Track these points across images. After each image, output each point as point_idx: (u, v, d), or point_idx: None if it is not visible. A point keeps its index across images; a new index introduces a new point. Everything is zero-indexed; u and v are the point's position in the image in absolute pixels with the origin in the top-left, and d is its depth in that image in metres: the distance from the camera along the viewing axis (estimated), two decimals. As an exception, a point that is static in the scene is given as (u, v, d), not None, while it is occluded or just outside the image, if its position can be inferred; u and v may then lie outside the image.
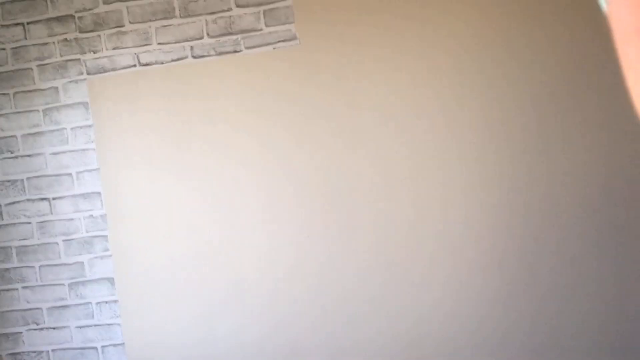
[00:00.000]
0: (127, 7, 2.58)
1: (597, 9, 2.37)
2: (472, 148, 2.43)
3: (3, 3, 2.64)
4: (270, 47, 2.52)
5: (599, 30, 2.38)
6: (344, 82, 2.47)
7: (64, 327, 2.61)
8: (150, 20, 2.58)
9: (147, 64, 2.58)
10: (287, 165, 2.50)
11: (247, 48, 2.53)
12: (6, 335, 2.67)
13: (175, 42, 2.57)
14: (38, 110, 2.63)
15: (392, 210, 2.46)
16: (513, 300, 2.42)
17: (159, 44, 2.58)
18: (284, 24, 2.51)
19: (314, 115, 2.49)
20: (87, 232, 2.60)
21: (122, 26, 2.59)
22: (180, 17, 2.56)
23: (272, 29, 2.52)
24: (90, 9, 2.60)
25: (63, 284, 2.62)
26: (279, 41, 2.52)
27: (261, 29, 2.52)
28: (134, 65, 2.59)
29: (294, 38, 2.51)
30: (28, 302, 2.64)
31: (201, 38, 2.56)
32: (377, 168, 2.46)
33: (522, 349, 2.42)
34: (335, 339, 2.49)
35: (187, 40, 2.56)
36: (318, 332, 2.50)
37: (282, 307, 2.51)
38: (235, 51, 2.54)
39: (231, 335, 2.53)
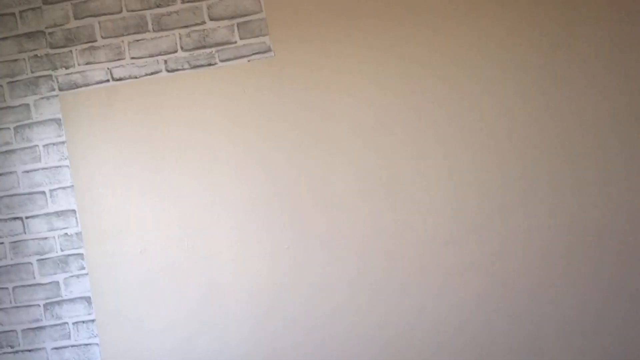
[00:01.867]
0: (99, 22, 2.56)
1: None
2: (447, 154, 2.44)
3: (-29, 20, 2.60)
4: (244, 60, 2.51)
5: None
6: (319, 93, 2.48)
7: (40, 348, 2.55)
8: (122, 35, 2.55)
9: (120, 79, 2.55)
10: (263, 177, 2.49)
11: (221, 61, 2.52)
12: (-21, 359, 2.60)
13: (149, 56, 2.55)
14: (9, 128, 2.58)
15: (369, 218, 2.46)
16: (494, 304, 2.43)
17: (132, 58, 2.55)
18: (257, 36, 2.51)
19: (290, 126, 2.49)
20: (62, 250, 2.55)
21: (94, 41, 2.56)
22: (154, 31, 2.54)
23: (246, 41, 2.51)
24: (61, 25, 2.57)
25: (38, 305, 2.55)
26: (253, 53, 2.51)
27: (235, 42, 2.52)
28: (107, 80, 2.55)
29: (268, 50, 2.50)
30: (2, 324, 2.57)
31: (175, 52, 2.54)
32: (353, 178, 2.46)
33: (504, 352, 2.43)
34: (315, 347, 2.48)
35: (160, 54, 2.54)
36: (298, 342, 2.48)
37: (260, 321, 2.49)
38: (210, 64, 2.52)
39: (211, 352, 2.50)
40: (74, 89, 2.56)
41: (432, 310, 2.45)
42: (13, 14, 2.59)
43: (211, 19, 2.52)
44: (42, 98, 2.57)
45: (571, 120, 2.41)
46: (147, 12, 2.55)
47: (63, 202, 2.55)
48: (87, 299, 2.53)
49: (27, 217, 2.56)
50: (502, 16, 2.44)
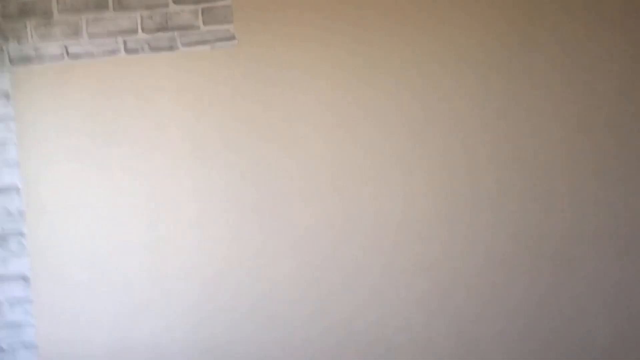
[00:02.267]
0: (58, -4, 2.48)
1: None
2: (399, 155, 2.47)
3: None
4: (207, 46, 2.48)
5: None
6: (282, 84, 2.46)
7: (-31, 333, 2.41)
8: (81, 12, 2.48)
9: (76, 56, 2.47)
10: (219, 166, 2.45)
11: (183, 45, 2.48)
12: None
13: (108, 36, 2.48)
14: (-47, 99, 2.46)
15: (321, 213, 2.45)
16: (436, 304, 2.45)
17: (90, 36, 2.48)
18: (222, 23, 2.48)
19: (250, 116, 2.46)
20: (2, 228, 2.43)
21: (51, 16, 2.48)
22: (114, 10, 2.48)
23: (210, 27, 2.48)
24: (16, -4, 2.48)
25: (-29, 285, 2.42)
26: (216, 40, 2.48)
27: (199, 27, 2.48)
28: (62, 57, 2.47)
29: (232, 38, 2.48)
30: None
31: (135, 33, 2.48)
32: (311, 172, 2.45)
33: (443, 352, 2.45)
34: (260, 340, 2.44)
35: (120, 34, 2.48)
36: (244, 333, 2.43)
37: (208, 308, 2.43)
38: (171, 48, 2.48)
39: (153, 338, 2.42)
40: (26, 63, 2.47)
41: (373, 309, 2.44)
42: (-34, -19, 2.48)
43: (175, 2, 2.48)
44: (-9, 70, 2.47)
45: (521, 126, 2.47)
46: (109, -10, 2.49)
47: (6, 178, 2.43)
48: (25, 278, 2.42)
49: (-35, 193, 2.44)
50: (465, 16, 2.50)
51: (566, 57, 2.45)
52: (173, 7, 2.48)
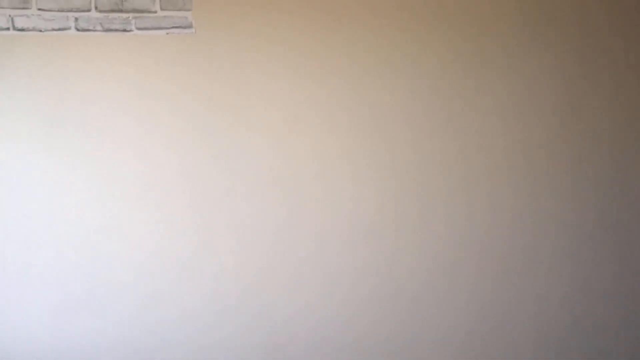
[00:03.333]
0: (7, -36, 2.35)
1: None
2: (348, 154, 2.51)
3: None
4: (163, 32, 2.42)
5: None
6: (238, 74, 2.44)
7: None
8: (31, -17, 2.36)
9: (22, 29, 2.36)
10: (171, 154, 2.42)
11: (138, 29, 2.41)
12: None
13: (58, 11, 2.38)
14: None
15: (266, 210, 2.47)
16: (383, 304, 2.54)
17: (39, 9, 2.37)
18: (180, 9, 2.43)
19: (203, 105, 2.43)
20: None
21: (-2, -16, 2.35)
22: (67, -16, 2.38)
23: (167, 13, 2.42)
24: (-40, -41, 2.33)
25: None
26: (173, 27, 2.42)
27: (155, 12, 2.42)
28: (7, 29, 2.35)
29: (189, 26, 2.43)
30: None
31: (88, 10, 2.39)
32: (270, 162, 2.46)
33: (388, 352, 2.54)
34: (201, 336, 2.45)
35: (72, 11, 2.38)
36: (186, 331, 2.44)
37: (151, 307, 2.42)
38: (125, 30, 2.40)
39: (87, 334, 2.38)
40: (-34, 31, 2.34)
41: (318, 308, 2.50)
42: None
43: (132, -17, 2.40)
44: None
45: (467, 131, 2.56)
46: (63, -36, 2.38)
47: (-59, 153, 2.32)
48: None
49: None
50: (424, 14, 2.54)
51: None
52: (130, -12, 2.40)
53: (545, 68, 2.60)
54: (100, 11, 2.40)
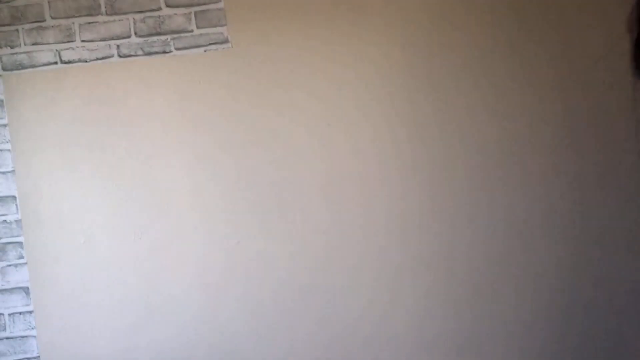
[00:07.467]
0: (49, 2, 2.45)
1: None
2: (398, 151, 2.46)
3: None
4: (201, 50, 2.46)
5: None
6: (275, 87, 2.45)
7: (-28, 340, 2.43)
8: (73, 16, 2.46)
9: (69, 62, 2.45)
10: (216, 170, 2.45)
11: (176, 49, 2.46)
12: None
13: (101, 40, 2.46)
14: (-54, 108, 2.45)
15: (314, 216, 2.45)
16: (440, 300, 2.47)
17: (83, 41, 2.46)
18: (215, 26, 2.46)
19: (244, 120, 2.45)
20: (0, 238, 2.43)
21: (43, 21, 2.46)
22: (107, 14, 2.46)
23: (203, 30, 2.46)
24: (7, 1, 2.45)
25: (-29, 294, 2.43)
26: (210, 44, 2.46)
27: (192, 31, 2.46)
28: (55, 63, 2.45)
29: (225, 41, 2.46)
30: None
31: (128, 37, 2.46)
32: (306, 176, 2.45)
33: (452, 349, 2.47)
34: (263, 347, 2.45)
35: (113, 39, 2.46)
36: (248, 340, 2.45)
37: (211, 316, 2.44)
38: (165, 52, 2.46)
39: (155, 348, 2.43)
40: (19, 69, 2.45)
41: (377, 309, 2.46)
42: (-45, -13, 2.45)
43: (167, 6, 2.45)
44: (-16, 77, 2.45)
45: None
46: (101, -6, 2.46)
47: (3, 187, 2.43)
48: (25, 290, 2.43)
49: (-38, 202, 2.44)
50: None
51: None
52: (166, 11, 2.45)
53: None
54: (140, 36, 2.46)
